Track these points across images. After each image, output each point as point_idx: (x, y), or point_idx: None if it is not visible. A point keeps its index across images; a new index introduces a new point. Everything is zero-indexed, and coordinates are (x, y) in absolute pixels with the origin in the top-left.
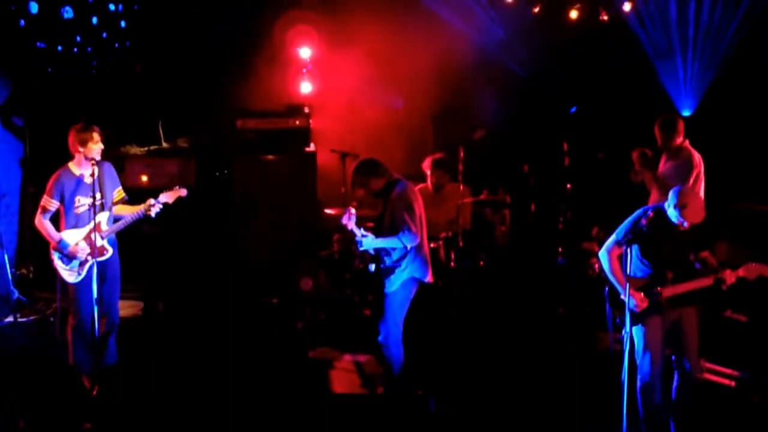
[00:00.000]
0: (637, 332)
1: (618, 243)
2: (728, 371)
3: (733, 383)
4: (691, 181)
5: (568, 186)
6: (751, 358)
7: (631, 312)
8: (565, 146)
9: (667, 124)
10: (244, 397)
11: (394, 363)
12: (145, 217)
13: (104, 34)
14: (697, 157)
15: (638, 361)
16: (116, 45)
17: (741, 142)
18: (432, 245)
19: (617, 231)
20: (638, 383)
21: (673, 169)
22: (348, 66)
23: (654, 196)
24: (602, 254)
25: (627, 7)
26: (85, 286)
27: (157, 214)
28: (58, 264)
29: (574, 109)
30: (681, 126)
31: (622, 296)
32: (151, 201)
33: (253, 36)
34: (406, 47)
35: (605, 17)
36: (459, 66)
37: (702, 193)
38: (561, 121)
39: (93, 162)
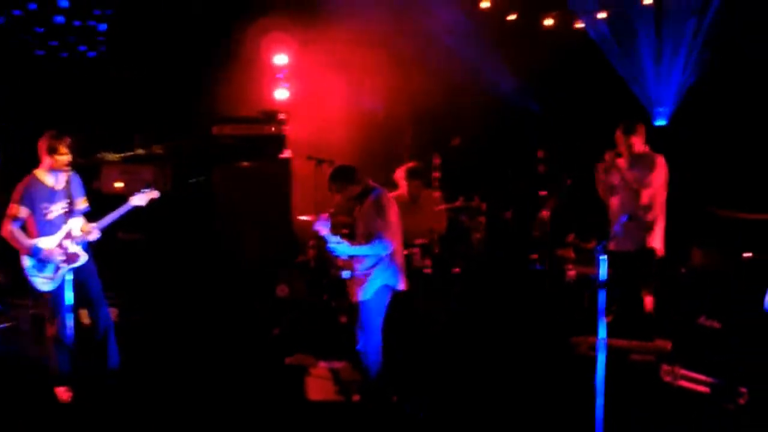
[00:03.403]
0: None
1: None
2: (703, 378)
3: (707, 390)
4: (649, 180)
5: (543, 193)
6: (724, 365)
7: None
8: (540, 154)
9: (629, 128)
10: (219, 404)
11: (372, 370)
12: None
13: (80, 41)
14: (660, 161)
15: None
16: (92, 52)
17: (716, 149)
18: (407, 252)
19: None
20: None
21: (636, 173)
22: (324, 72)
23: (614, 204)
24: None
25: (602, 15)
26: (61, 294)
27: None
28: (31, 273)
29: (536, 108)
30: (642, 130)
31: None
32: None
33: (228, 43)
34: (382, 54)
35: (580, 25)
36: (436, 72)
37: (665, 198)
38: (536, 130)
39: (67, 169)
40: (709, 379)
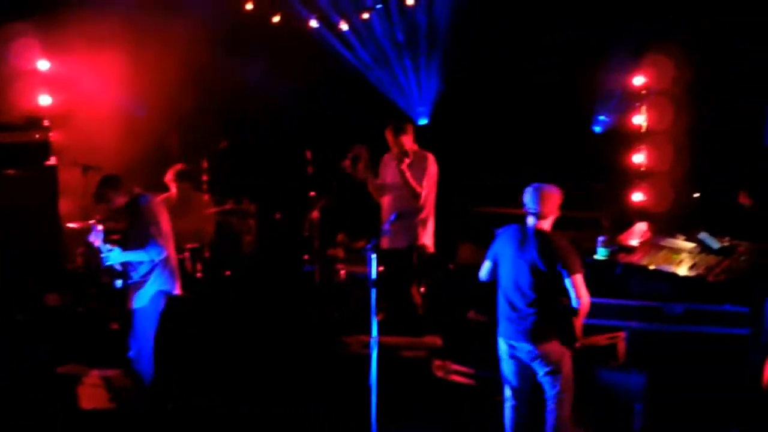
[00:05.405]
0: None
1: None
2: (473, 371)
3: (473, 382)
4: (425, 184)
5: (312, 193)
6: (493, 358)
7: None
8: (309, 155)
9: (398, 128)
10: None
11: (144, 377)
12: None
13: None
14: (431, 159)
15: None
16: None
17: (476, 146)
18: (178, 257)
19: None
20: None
21: (411, 173)
22: (88, 77)
23: (386, 203)
24: None
25: (366, 15)
26: None
27: None
28: None
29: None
30: (411, 129)
31: None
32: None
33: None
34: (147, 54)
35: (345, 26)
36: (202, 74)
37: (435, 195)
38: (304, 131)
39: None
40: (478, 372)
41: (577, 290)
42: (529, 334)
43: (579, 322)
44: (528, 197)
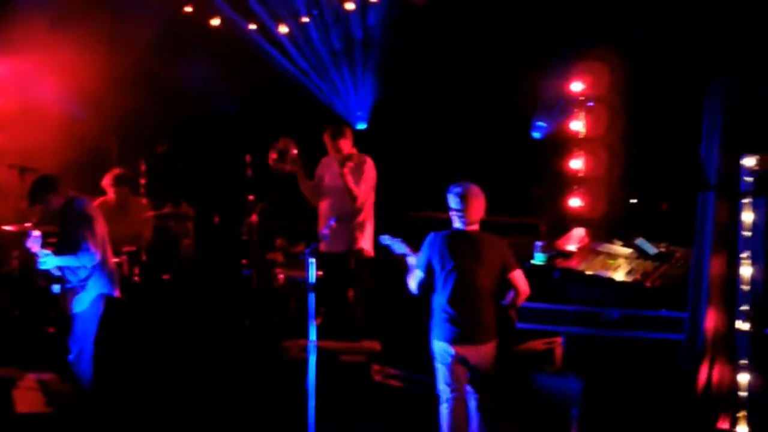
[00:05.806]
0: None
1: None
2: (412, 376)
3: (401, 384)
4: (362, 187)
5: (251, 197)
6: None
7: None
8: (248, 158)
9: (336, 132)
10: None
11: (84, 380)
12: None
13: None
14: (369, 163)
15: None
16: None
17: (414, 150)
18: (116, 260)
19: None
20: None
21: (348, 177)
22: (24, 77)
23: (324, 207)
24: None
25: (306, 19)
26: None
27: None
28: None
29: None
30: (350, 133)
31: None
32: None
33: None
34: (86, 57)
35: (284, 29)
36: (141, 77)
37: (373, 199)
38: (243, 134)
39: None
40: (417, 377)
41: (521, 284)
42: (470, 336)
43: (517, 305)
44: (456, 200)
